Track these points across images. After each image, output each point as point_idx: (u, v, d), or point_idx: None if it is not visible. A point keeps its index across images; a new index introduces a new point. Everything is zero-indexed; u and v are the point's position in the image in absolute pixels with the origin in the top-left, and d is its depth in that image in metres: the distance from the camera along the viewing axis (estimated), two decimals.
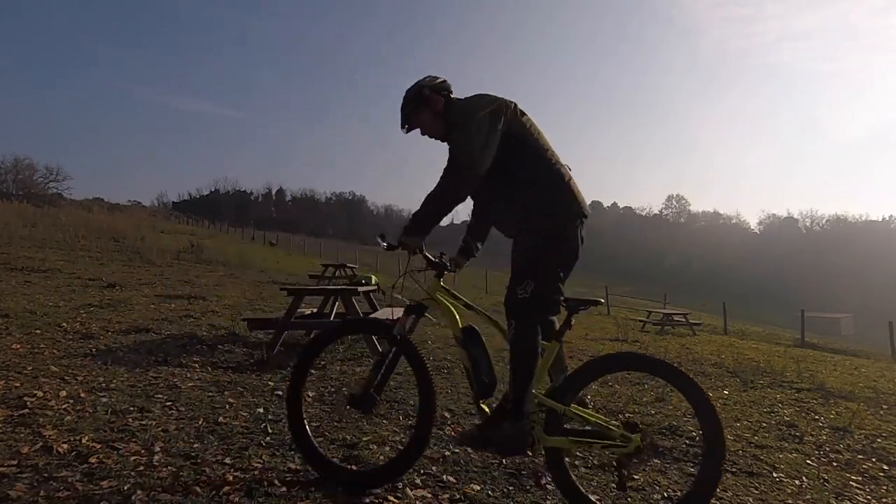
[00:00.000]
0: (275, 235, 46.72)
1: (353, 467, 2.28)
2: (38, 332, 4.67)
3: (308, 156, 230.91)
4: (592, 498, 2.03)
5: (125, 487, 1.91)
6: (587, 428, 1.98)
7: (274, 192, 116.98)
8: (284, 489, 2.01)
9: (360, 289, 5.68)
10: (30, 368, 3.45)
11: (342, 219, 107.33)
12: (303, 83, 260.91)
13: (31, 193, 38.75)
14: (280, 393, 3.35)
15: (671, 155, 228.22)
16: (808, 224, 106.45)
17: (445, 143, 2.20)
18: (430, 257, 2.29)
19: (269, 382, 3.61)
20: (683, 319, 13.60)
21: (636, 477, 2.41)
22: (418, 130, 2.26)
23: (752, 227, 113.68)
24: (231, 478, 2.06)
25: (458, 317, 2.18)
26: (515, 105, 2.14)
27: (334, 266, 14.08)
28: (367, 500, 1.99)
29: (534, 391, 2.01)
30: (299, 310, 5.04)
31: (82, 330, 4.95)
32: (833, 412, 4.20)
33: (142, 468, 2.08)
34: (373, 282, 7.27)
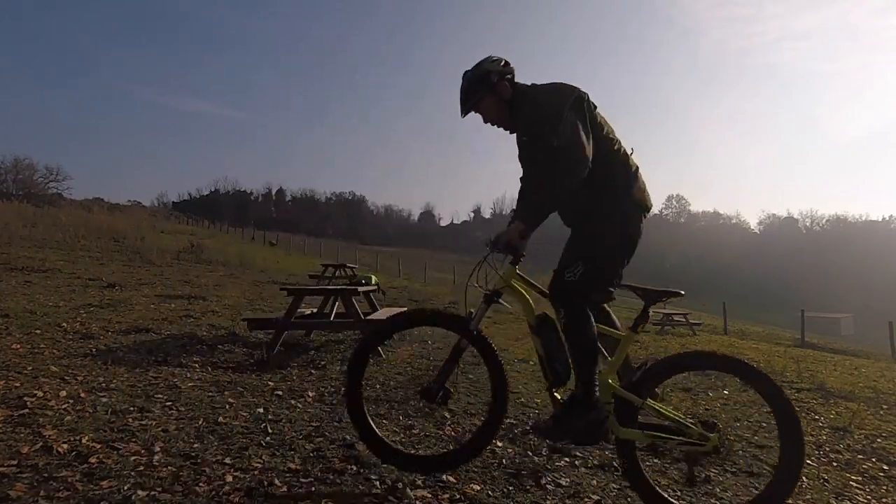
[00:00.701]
0: (275, 235, 46.73)
1: (417, 452, 2.38)
2: (38, 332, 4.67)
3: (308, 156, 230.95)
4: (662, 492, 2.02)
5: (125, 487, 1.91)
6: (664, 423, 1.97)
7: (274, 192, 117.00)
8: (284, 489, 2.01)
9: (360, 289, 5.67)
10: (30, 368, 3.45)
11: (342, 219, 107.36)
12: (303, 83, 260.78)
13: (31, 193, 38.73)
14: (280, 393, 3.35)
15: (671, 155, 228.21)
16: (808, 224, 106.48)
17: (502, 129, 2.19)
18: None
19: (269, 382, 3.61)
20: (683, 319, 13.62)
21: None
22: (479, 116, 2.21)
23: (752, 227, 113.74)
24: (231, 478, 2.06)
25: (532, 304, 2.13)
26: (588, 97, 2.11)
27: (334, 266, 14.09)
28: (367, 500, 1.99)
29: (610, 381, 2.01)
30: (299, 310, 5.04)
31: (82, 330, 4.95)
32: (833, 412, 4.20)
33: (142, 468, 2.08)
34: (373, 282, 7.26)
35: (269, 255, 27.07)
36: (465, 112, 2.17)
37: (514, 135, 2.26)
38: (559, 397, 2.07)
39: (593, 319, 2.02)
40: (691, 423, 1.94)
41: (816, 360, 8.54)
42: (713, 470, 2.61)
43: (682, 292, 2.09)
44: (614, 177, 2.07)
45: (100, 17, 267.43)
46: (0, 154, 51.66)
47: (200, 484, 1.99)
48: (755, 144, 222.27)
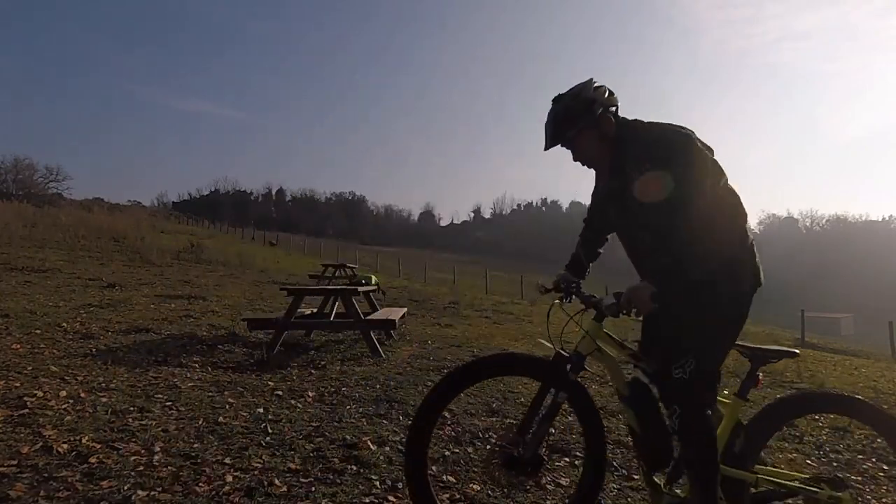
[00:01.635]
0: (275, 235, 46.75)
1: None
2: (38, 332, 4.67)
3: (308, 156, 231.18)
4: None
5: (125, 487, 1.92)
6: (783, 493, 1.69)
7: (274, 192, 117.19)
8: (284, 489, 2.01)
9: (360, 289, 5.68)
10: (30, 368, 3.45)
11: (342, 219, 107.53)
12: (303, 83, 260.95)
13: (31, 193, 38.68)
14: (280, 393, 3.35)
15: None
16: (808, 224, 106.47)
17: (590, 169, 1.88)
18: (590, 295, 1.83)
19: (269, 382, 3.61)
20: None
21: (636, 477, 2.40)
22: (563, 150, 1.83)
23: (752, 227, 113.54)
24: (231, 478, 2.06)
25: (619, 367, 1.79)
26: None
27: (334, 266, 14.09)
28: (368, 500, 1.99)
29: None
30: (299, 310, 5.04)
31: (82, 330, 4.95)
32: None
33: (142, 468, 2.09)
34: (373, 282, 7.26)
35: (269, 255, 27.07)
36: (553, 144, 1.80)
37: (601, 178, 1.92)
38: (659, 483, 1.74)
39: (712, 415, 1.69)
40: (816, 485, 1.68)
41: (816, 360, 8.53)
42: None
43: (797, 351, 1.80)
44: (738, 247, 1.73)
45: (101, 18, 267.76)
46: (0, 154, 51.65)
47: (200, 484, 1.99)
48: (755, 144, 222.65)
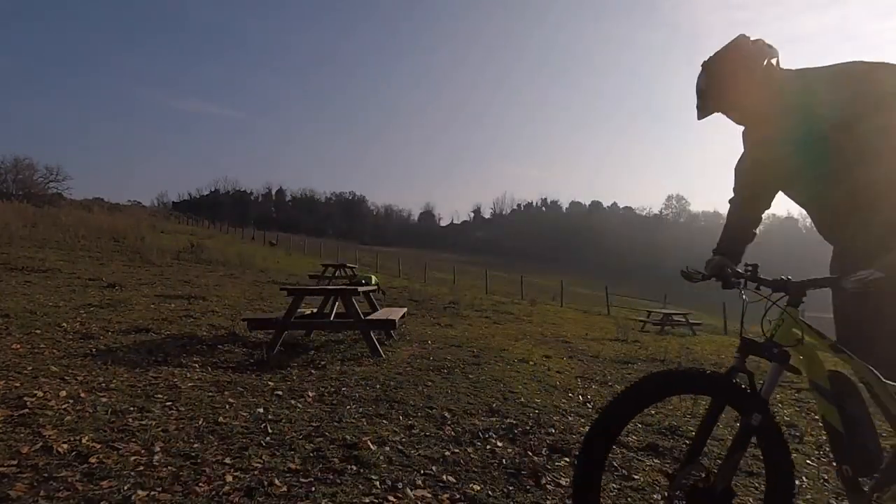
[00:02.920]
0: (275, 235, 46.78)
1: None
2: (38, 332, 4.67)
3: (308, 155, 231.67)
4: None
5: (125, 487, 1.91)
6: None
7: (274, 192, 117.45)
8: (284, 489, 2.01)
9: (360, 289, 5.68)
10: (30, 368, 3.45)
11: (342, 219, 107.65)
12: (302, 83, 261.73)
13: (31, 193, 38.66)
14: (280, 393, 3.35)
15: (671, 155, 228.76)
16: (808, 224, 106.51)
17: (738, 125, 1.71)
18: (779, 277, 1.64)
19: (269, 382, 3.61)
20: (683, 319, 13.63)
21: (636, 477, 2.41)
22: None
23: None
24: (231, 478, 2.06)
25: (821, 359, 1.60)
26: None
27: (334, 266, 14.14)
28: (367, 500, 1.99)
29: None
30: (299, 310, 5.04)
31: (82, 330, 4.95)
32: None
33: (142, 468, 2.08)
34: (373, 282, 7.26)
35: (269, 255, 27.08)
36: (710, 111, 1.66)
37: (764, 131, 1.73)
38: (865, 490, 1.52)
39: None
40: None
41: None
42: None
43: None
44: None
45: (101, 18, 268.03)
46: (0, 154, 51.62)
47: (200, 484, 1.99)
48: None
